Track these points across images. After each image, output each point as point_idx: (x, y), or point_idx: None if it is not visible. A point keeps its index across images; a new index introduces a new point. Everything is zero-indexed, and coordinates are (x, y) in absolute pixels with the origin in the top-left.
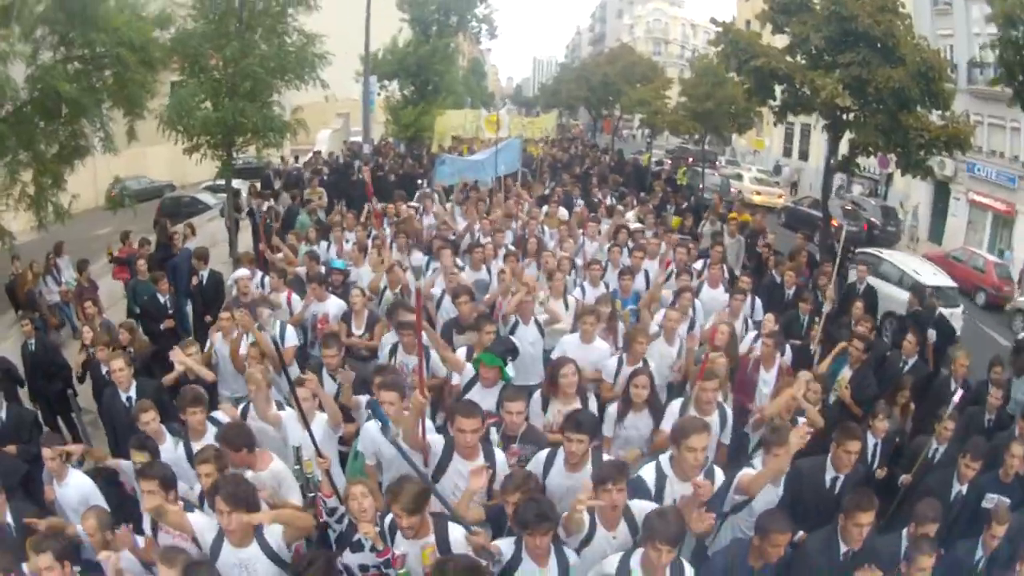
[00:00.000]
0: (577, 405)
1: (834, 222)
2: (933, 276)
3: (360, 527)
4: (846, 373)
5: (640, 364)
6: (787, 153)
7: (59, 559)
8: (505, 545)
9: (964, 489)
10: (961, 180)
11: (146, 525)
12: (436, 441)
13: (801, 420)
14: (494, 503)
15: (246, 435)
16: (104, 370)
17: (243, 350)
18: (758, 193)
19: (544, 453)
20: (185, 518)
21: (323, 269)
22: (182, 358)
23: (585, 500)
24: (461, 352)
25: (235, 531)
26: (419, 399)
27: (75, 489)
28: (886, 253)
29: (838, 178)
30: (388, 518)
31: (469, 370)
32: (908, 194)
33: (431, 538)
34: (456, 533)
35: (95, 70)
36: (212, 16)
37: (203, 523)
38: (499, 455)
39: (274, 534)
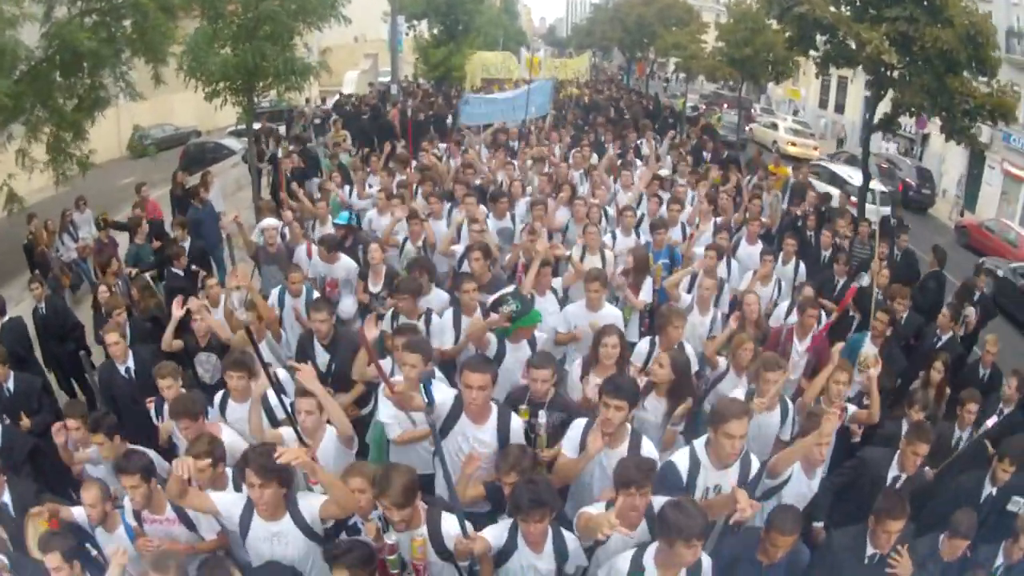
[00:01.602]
0: None
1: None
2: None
3: (360, 521)
4: (868, 349)
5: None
6: (823, 105)
7: (67, 559)
8: (497, 531)
9: (995, 491)
10: (997, 149)
11: (128, 516)
12: (444, 399)
13: (851, 408)
14: (491, 480)
15: (191, 403)
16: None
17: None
18: (793, 144)
19: (583, 423)
20: (208, 499)
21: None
22: (204, 315)
23: (611, 525)
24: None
25: (268, 504)
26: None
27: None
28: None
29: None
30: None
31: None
32: (944, 157)
33: (423, 529)
34: (449, 526)
35: (113, 20)
36: None
37: (228, 499)
38: (515, 422)
39: (309, 508)
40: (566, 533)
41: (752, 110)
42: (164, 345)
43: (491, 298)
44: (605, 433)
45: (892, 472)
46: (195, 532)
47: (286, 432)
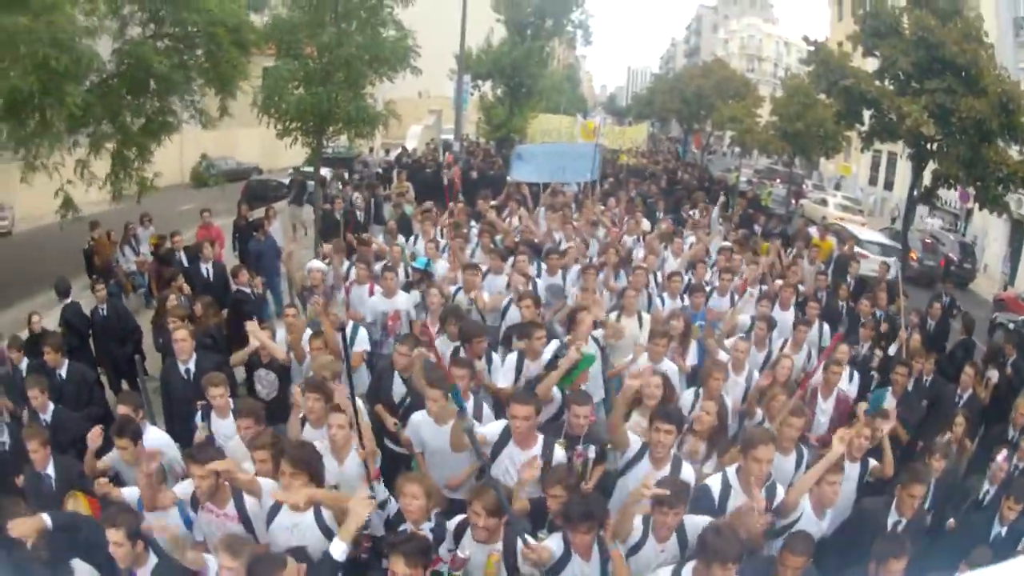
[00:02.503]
0: None
1: (913, 255)
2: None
3: (409, 523)
4: (890, 402)
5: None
6: (872, 182)
7: (131, 537)
8: (555, 543)
9: (1004, 530)
10: None
11: (187, 505)
12: (494, 428)
13: (872, 463)
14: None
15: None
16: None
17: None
18: (841, 219)
19: (638, 444)
20: (257, 483)
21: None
22: (259, 333)
23: (643, 492)
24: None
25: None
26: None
27: (152, 443)
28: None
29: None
30: (455, 521)
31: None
32: (986, 231)
33: (499, 546)
34: (521, 544)
35: (186, 48)
36: (307, 6)
37: (270, 487)
38: (558, 450)
39: (328, 511)
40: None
41: (804, 186)
42: (234, 360)
43: (546, 355)
44: (655, 455)
45: (892, 518)
46: (251, 532)
47: (318, 444)
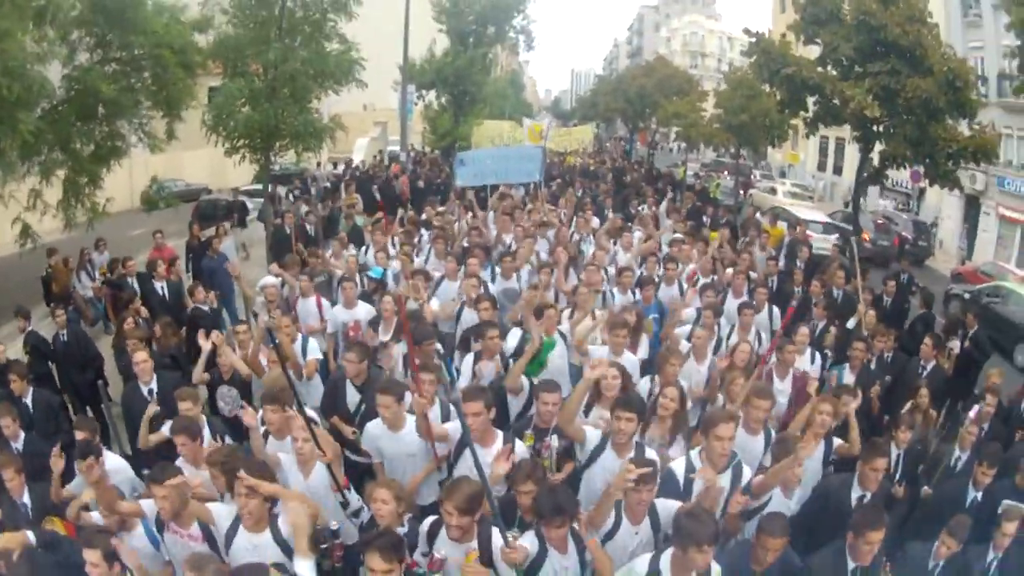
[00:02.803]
0: None
1: (866, 235)
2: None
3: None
4: (849, 378)
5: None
6: (821, 167)
7: (107, 559)
8: (529, 541)
9: (979, 495)
10: (992, 195)
11: (151, 524)
12: (454, 428)
13: (837, 441)
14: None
15: (198, 426)
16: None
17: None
18: (790, 205)
19: (597, 436)
20: (207, 510)
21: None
22: (226, 350)
23: (618, 484)
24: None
25: (252, 513)
26: (419, 402)
27: (111, 471)
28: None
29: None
30: (427, 522)
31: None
32: (940, 209)
33: (475, 543)
34: (499, 540)
35: (133, 71)
36: (252, 23)
37: (222, 511)
38: (519, 445)
39: (287, 525)
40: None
41: (752, 176)
42: (195, 378)
43: (510, 345)
44: (617, 443)
45: (855, 493)
46: (216, 551)
47: (284, 457)
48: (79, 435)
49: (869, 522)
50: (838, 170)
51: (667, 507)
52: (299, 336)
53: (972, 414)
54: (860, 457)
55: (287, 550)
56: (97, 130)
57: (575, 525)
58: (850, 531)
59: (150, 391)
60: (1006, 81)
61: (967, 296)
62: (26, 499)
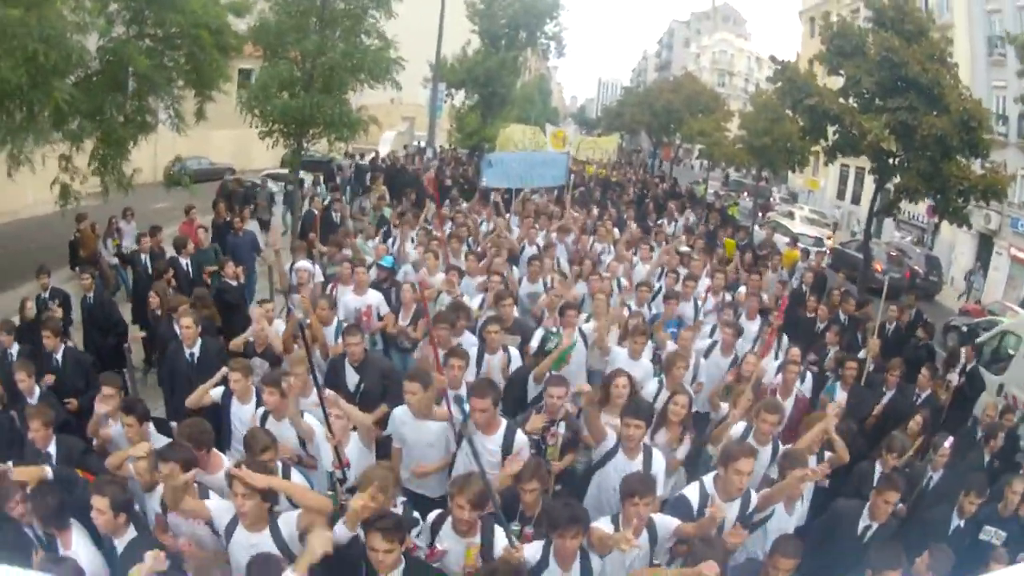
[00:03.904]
0: None
1: (878, 266)
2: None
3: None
4: (841, 397)
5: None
6: (840, 195)
7: (114, 508)
8: (532, 550)
9: (963, 523)
10: (1005, 235)
11: (155, 506)
12: (458, 417)
13: (827, 454)
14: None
15: (207, 433)
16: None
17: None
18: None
19: (611, 442)
20: (202, 504)
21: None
22: (259, 316)
23: (628, 542)
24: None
25: (248, 514)
26: (440, 379)
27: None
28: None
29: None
30: (432, 515)
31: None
32: (954, 245)
33: (477, 539)
34: (501, 537)
35: (168, 48)
36: (293, 11)
37: (220, 507)
38: (519, 435)
39: (288, 523)
40: (591, 553)
41: (771, 199)
42: (233, 344)
43: (535, 342)
44: (627, 448)
45: (863, 522)
46: (219, 537)
47: (317, 427)
48: (106, 389)
49: (887, 561)
50: (856, 199)
51: (666, 523)
52: (335, 320)
53: (947, 444)
54: (876, 487)
55: (287, 552)
56: (128, 103)
57: (584, 544)
58: (868, 569)
59: (191, 354)
60: (999, 120)
61: (964, 329)
62: (52, 449)
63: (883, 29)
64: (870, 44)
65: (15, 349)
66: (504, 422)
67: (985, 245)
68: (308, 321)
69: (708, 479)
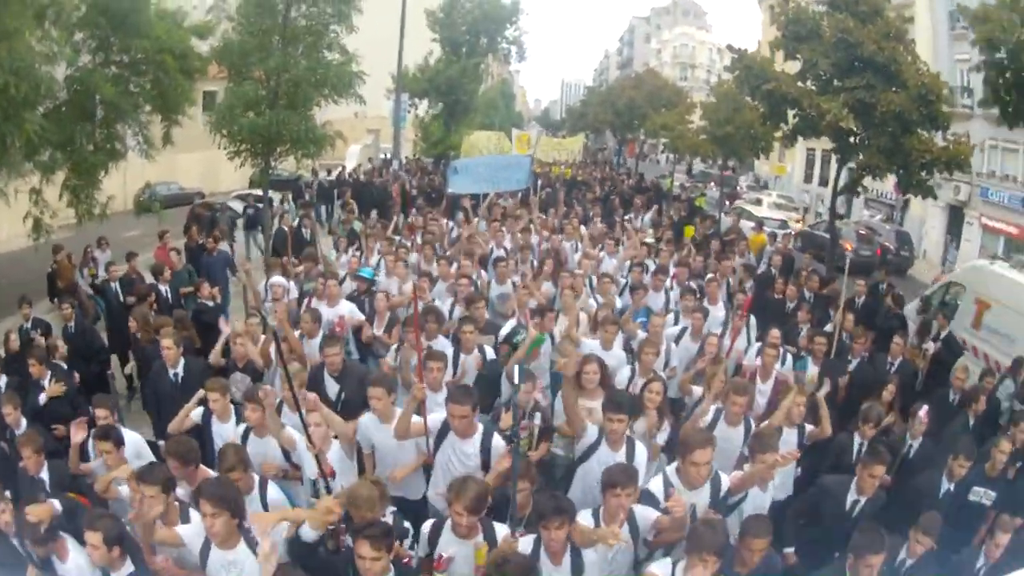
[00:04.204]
0: (598, 400)
1: (848, 245)
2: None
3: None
4: (813, 370)
5: (652, 374)
6: (807, 179)
7: (107, 543)
8: (524, 544)
9: (952, 487)
10: (975, 205)
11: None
12: (435, 419)
13: (809, 427)
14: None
15: (194, 451)
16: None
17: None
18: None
19: (593, 435)
20: (174, 533)
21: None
22: (242, 338)
23: (615, 536)
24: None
25: (218, 533)
26: (419, 388)
27: (128, 445)
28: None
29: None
30: (427, 525)
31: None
32: (924, 220)
33: (480, 537)
34: (502, 533)
35: (133, 75)
36: (255, 30)
37: (190, 531)
38: (497, 439)
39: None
40: (583, 550)
41: (738, 188)
42: (212, 358)
43: (504, 332)
44: (610, 440)
45: (851, 496)
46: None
47: (299, 437)
48: (98, 412)
49: (869, 546)
50: (824, 182)
51: (645, 515)
52: (320, 334)
53: (921, 413)
54: (860, 462)
55: None
56: (97, 132)
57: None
58: (850, 553)
59: (175, 374)
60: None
61: (926, 294)
62: (44, 475)
63: (838, 12)
64: (825, 27)
65: (3, 381)
66: (480, 426)
67: (955, 217)
68: (283, 334)
69: (671, 469)
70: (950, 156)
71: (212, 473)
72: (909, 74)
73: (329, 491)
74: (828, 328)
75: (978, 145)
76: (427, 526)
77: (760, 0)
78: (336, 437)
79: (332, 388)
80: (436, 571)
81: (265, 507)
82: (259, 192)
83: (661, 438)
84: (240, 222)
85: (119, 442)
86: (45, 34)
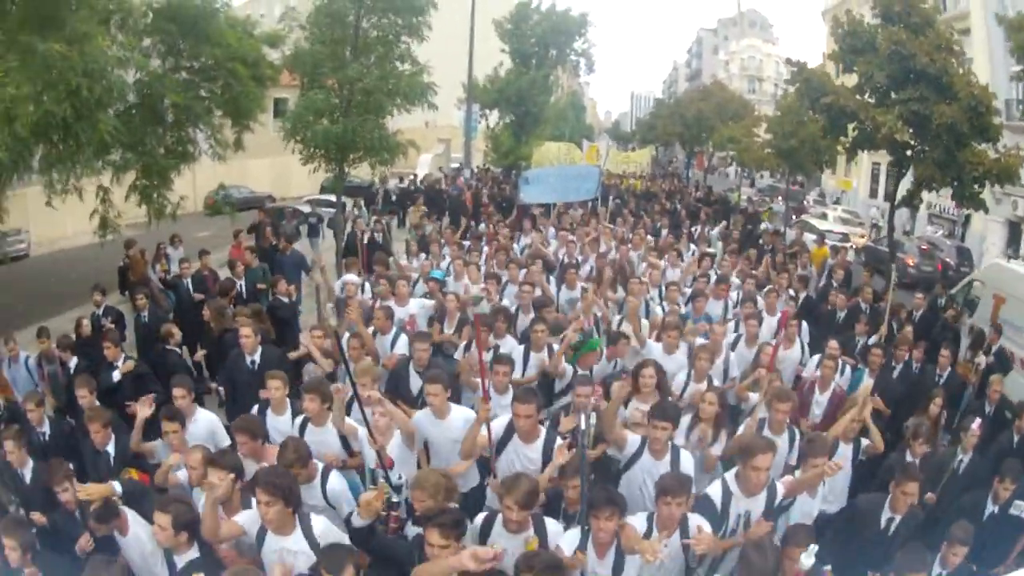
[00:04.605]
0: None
1: (910, 260)
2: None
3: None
4: (868, 382)
5: (706, 379)
6: (872, 194)
7: (176, 526)
8: (571, 537)
9: (997, 509)
10: None
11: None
12: (498, 423)
13: (865, 442)
14: (551, 486)
15: (261, 425)
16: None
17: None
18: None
19: (637, 441)
20: (236, 525)
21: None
22: (308, 342)
23: (654, 553)
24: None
25: (272, 520)
26: (484, 410)
27: (203, 425)
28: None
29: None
30: (479, 518)
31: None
32: (984, 236)
33: (531, 531)
34: (552, 527)
35: (204, 81)
36: (327, 40)
37: (249, 516)
38: (558, 442)
39: (320, 526)
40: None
41: (805, 202)
42: (292, 354)
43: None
44: (653, 448)
45: (885, 515)
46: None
47: (361, 429)
48: (177, 391)
49: (911, 564)
50: (888, 197)
51: (697, 523)
52: (393, 331)
53: (975, 425)
54: (893, 479)
55: (319, 551)
56: (168, 135)
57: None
58: (891, 572)
59: (252, 361)
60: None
61: (951, 292)
62: (110, 448)
63: (891, 24)
64: (880, 39)
65: (73, 363)
66: (543, 430)
67: (1015, 233)
68: (356, 330)
69: (730, 476)
70: (1001, 168)
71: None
72: (960, 86)
73: (388, 481)
74: (871, 341)
75: None
76: (479, 519)
77: (824, 13)
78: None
79: (416, 382)
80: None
81: (325, 497)
82: (329, 197)
83: (717, 448)
84: (304, 229)
85: (184, 424)
86: (112, 39)
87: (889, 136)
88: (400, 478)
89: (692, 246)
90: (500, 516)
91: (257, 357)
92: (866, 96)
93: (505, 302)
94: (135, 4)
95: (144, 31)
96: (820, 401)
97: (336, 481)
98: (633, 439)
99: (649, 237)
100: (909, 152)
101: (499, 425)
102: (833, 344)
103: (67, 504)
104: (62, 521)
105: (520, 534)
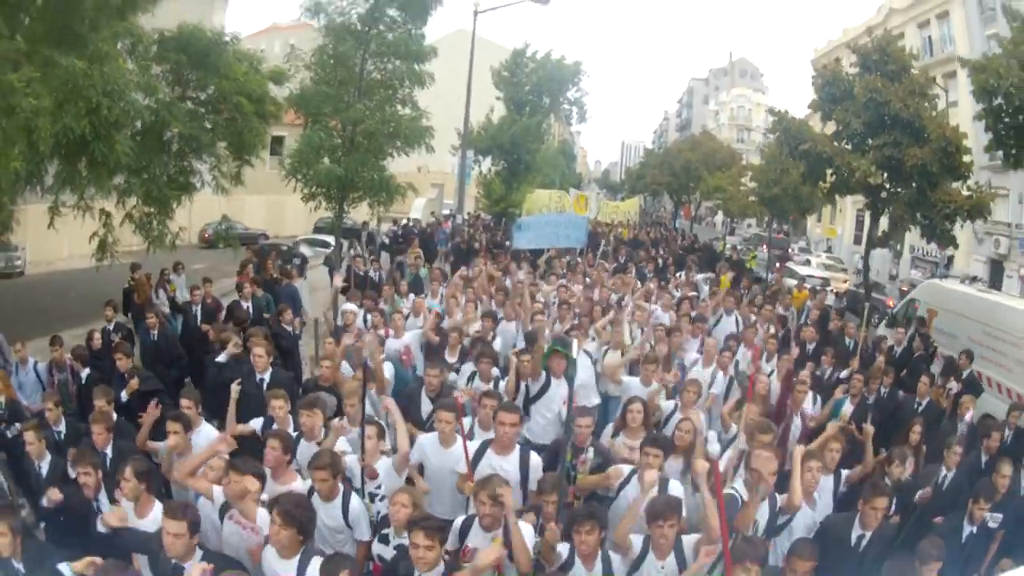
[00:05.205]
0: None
1: (890, 301)
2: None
3: (394, 529)
4: (847, 408)
5: (691, 412)
6: (857, 241)
7: (191, 530)
8: (562, 549)
9: (975, 529)
10: (1014, 258)
11: (213, 513)
12: (473, 445)
13: (845, 473)
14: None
15: (292, 441)
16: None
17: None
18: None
19: (628, 469)
20: (256, 511)
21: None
22: (328, 361)
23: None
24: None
25: (279, 543)
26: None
27: (204, 437)
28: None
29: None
30: (459, 520)
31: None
32: (968, 273)
33: (499, 531)
34: (524, 528)
35: (209, 112)
36: (332, 81)
37: (264, 518)
38: (534, 457)
39: (315, 567)
40: (612, 555)
41: (789, 249)
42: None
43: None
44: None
45: (855, 532)
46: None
47: (349, 457)
48: (184, 401)
49: (930, 551)
50: (867, 239)
51: (689, 541)
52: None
53: (957, 446)
54: (861, 496)
55: None
56: (172, 163)
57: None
58: (916, 559)
59: (261, 379)
60: None
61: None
62: (108, 450)
63: (869, 72)
64: (857, 88)
65: (85, 373)
66: (517, 446)
67: (996, 271)
68: (372, 364)
69: (739, 483)
70: (972, 205)
71: (297, 476)
72: (931, 128)
73: (363, 490)
74: (845, 373)
75: (1019, 197)
76: (458, 522)
77: (813, 61)
78: (384, 454)
79: (426, 407)
80: (462, 559)
81: (346, 516)
82: (324, 237)
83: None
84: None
85: (187, 428)
86: (124, 63)
87: (863, 180)
88: (379, 487)
89: (676, 292)
90: (477, 518)
91: (267, 376)
92: (843, 143)
93: (498, 340)
94: (146, 31)
95: (153, 58)
96: (798, 424)
97: (357, 503)
98: (624, 468)
99: (636, 282)
100: (884, 194)
101: (473, 445)
102: (804, 373)
103: (85, 487)
104: (78, 505)
105: (491, 533)
